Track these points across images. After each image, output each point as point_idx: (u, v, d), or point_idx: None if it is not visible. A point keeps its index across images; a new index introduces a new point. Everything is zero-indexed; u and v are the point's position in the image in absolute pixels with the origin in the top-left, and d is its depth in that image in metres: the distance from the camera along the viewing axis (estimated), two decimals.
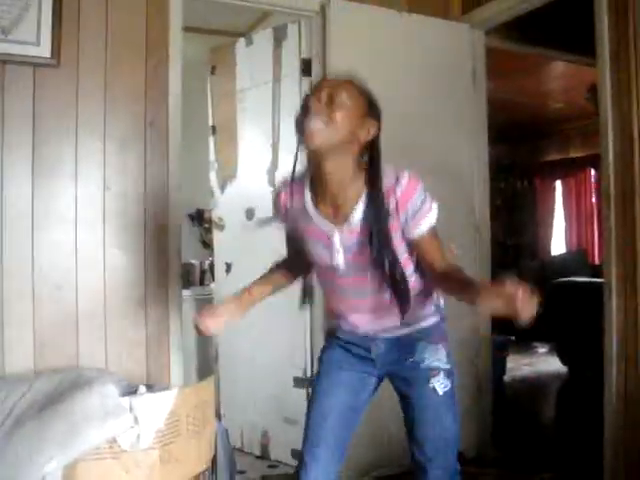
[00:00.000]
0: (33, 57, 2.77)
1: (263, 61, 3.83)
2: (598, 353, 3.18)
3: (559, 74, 6.58)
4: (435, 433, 1.98)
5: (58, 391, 2.36)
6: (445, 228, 3.64)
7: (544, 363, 6.69)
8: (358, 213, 1.86)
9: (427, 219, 1.87)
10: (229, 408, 4.04)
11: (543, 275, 8.19)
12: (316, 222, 1.92)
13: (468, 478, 3.47)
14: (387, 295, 1.93)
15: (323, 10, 3.44)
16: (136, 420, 2.19)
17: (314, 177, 1.91)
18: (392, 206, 1.83)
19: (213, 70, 4.17)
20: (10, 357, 2.73)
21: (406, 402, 2.04)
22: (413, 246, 1.92)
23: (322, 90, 1.79)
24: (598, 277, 3.83)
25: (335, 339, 2.14)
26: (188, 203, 4.63)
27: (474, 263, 3.83)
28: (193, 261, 4.95)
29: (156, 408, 2.23)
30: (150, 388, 2.61)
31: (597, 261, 8.39)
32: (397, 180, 1.85)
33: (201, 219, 5.28)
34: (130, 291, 2.96)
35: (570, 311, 5.95)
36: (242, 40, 3.98)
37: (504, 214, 9.55)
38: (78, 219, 2.87)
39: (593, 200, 9.09)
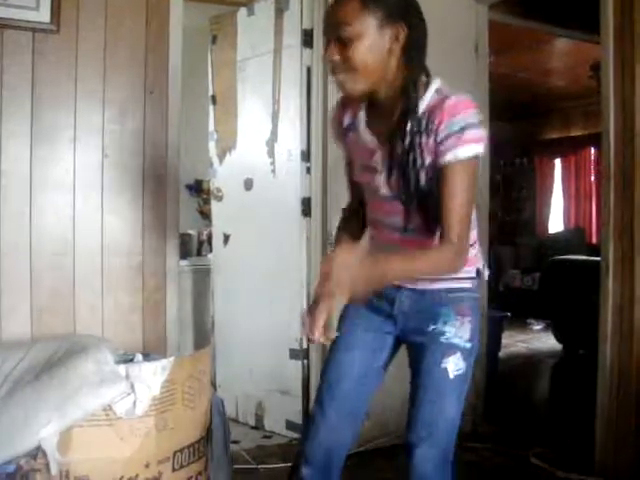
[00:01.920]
0: (32, 22, 2.73)
1: (264, 31, 3.80)
2: (592, 332, 3.20)
3: (562, 51, 6.54)
4: (433, 416, 1.77)
5: (54, 357, 2.37)
6: None
7: (539, 340, 6.73)
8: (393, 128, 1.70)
9: (465, 148, 1.59)
10: (225, 378, 4.06)
11: (540, 252, 8.23)
12: (364, 138, 1.78)
13: (461, 452, 3.53)
14: (420, 235, 1.75)
15: None
16: (132, 387, 2.19)
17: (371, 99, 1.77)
18: (433, 125, 1.61)
19: (214, 40, 4.13)
20: (7, 323, 2.73)
21: (414, 376, 1.84)
22: (439, 183, 1.64)
23: (329, 31, 1.67)
24: (595, 256, 3.83)
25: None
26: (187, 173, 4.61)
27: None
28: (191, 231, 4.95)
29: (152, 376, 2.24)
30: (146, 357, 2.62)
31: (594, 240, 8.41)
32: (447, 97, 1.64)
33: (199, 189, 5.27)
34: (127, 259, 2.96)
35: (566, 289, 5.96)
36: (243, 10, 3.93)
37: (503, 191, 9.56)
38: (76, 186, 2.86)
39: (592, 179, 9.08)
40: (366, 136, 1.78)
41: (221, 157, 4.10)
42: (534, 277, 7.61)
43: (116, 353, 2.45)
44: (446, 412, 1.78)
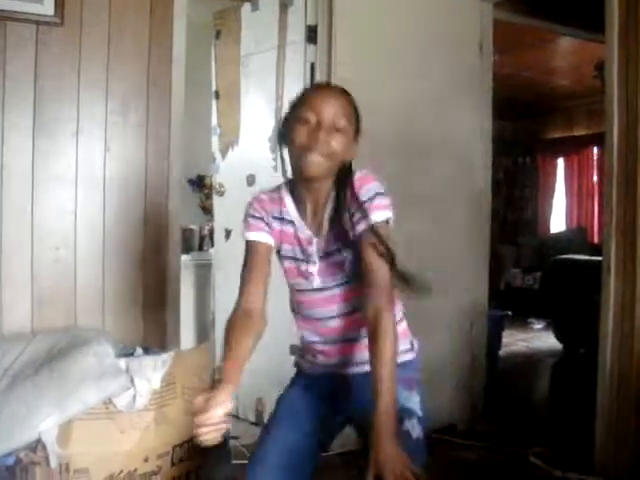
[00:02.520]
0: (36, 15, 2.72)
1: (268, 27, 3.79)
2: (593, 331, 3.20)
3: (566, 50, 6.53)
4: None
5: (55, 350, 2.37)
6: (445, 200, 3.70)
7: (539, 339, 6.73)
8: (328, 215, 1.75)
9: (377, 214, 1.67)
10: None
11: (542, 252, 8.23)
12: (298, 227, 1.79)
13: (460, 450, 3.54)
14: (357, 316, 1.76)
15: None
16: (132, 381, 2.20)
17: (298, 189, 1.79)
18: (353, 192, 1.70)
19: (218, 35, 4.13)
20: (8, 316, 2.73)
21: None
22: (359, 249, 1.69)
23: (325, 113, 1.68)
24: (597, 256, 3.83)
25: (299, 378, 2.01)
26: (189, 168, 4.61)
27: (473, 237, 3.83)
28: (193, 226, 4.95)
29: (152, 370, 2.24)
30: (147, 351, 2.62)
31: (596, 240, 8.40)
32: (354, 175, 1.72)
33: (202, 184, 5.26)
34: (129, 253, 2.96)
35: (567, 288, 5.96)
36: (247, 5, 3.93)
37: (505, 189, 9.56)
38: (78, 180, 2.86)
39: (595, 179, 9.07)
40: (302, 227, 1.79)
41: (224, 152, 4.10)
42: (535, 276, 7.62)
43: (116, 347, 2.45)
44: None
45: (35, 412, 2.10)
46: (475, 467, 3.31)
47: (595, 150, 8.92)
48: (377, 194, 1.69)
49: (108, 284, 2.92)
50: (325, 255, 1.76)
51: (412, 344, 1.89)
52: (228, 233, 4.01)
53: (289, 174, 1.82)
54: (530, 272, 7.92)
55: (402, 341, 1.78)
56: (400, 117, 3.55)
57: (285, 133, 1.76)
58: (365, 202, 1.67)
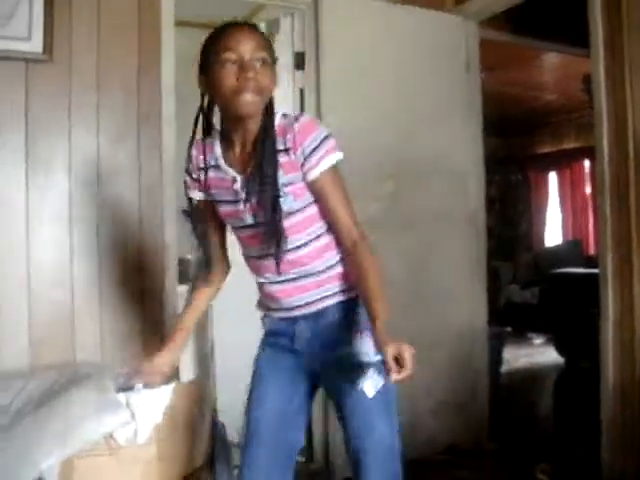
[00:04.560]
0: (25, 52, 2.75)
1: None
2: (594, 344, 3.19)
3: (553, 65, 6.58)
4: (371, 442, 1.75)
5: (55, 387, 2.36)
6: (440, 219, 3.71)
7: (541, 354, 6.70)
8: (257, 151, 1.77)
9: (327, 159, 1.73)
10: (226, 403, 4.02)
11: (538, 266, 8.24)
12: (224, 170, 1.83)
13: (466, 470, 3.51)
14: (298, 252, 1.81)
15: (315, 3, 3.44)
16: (133, 416, 2.18)
17: (227, 130, 1.83)
18: (289, 144, 1.72)
19: None
20: (6, 353, 2.72)
21: (338, 409, 1.84)
22: (316, 196, 1.77)
23: (246, 50, 1.70)
24: (593, 267, 3.83)
25: (265, 337, 2.05)
26: (182, 198, 4.60)
27: (470, 255, 3.84)
28: (189, 256, 4.93)
29: (153, 404, 2.22)
30: (147, 384, 2.61)
31: (593, 252, 8.41)
32: (296, 119, 1.75)
33: None
34: (126, 286, 2.95)
35: (566, 302, 5.96)
36: None
37: (499, 206, 9.58)
38: (72, 214, 2.86)
39: (587, 191, 9.10)
40: (226, 168, 1.83)
41: None
42: (533, 291, 7.61)
43: (116, 380, 2.44)
44: (383, 435, 1.77)
45: (36, 449, 2.08)
46: None
47: (586, 163, 8.96)
48: (323, 139, 1.72)
49: (105, 319, 2.90)
50: (253, 192, 1.76)
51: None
52: None
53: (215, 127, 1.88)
54: (528, 287, 7.91)
55: (341, 283, 1.85)
56: (391, 140, 3.56)
57: (206, 80, 1.79)
58: (314, 150, 1.71)
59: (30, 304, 2.77)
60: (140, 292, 2.97)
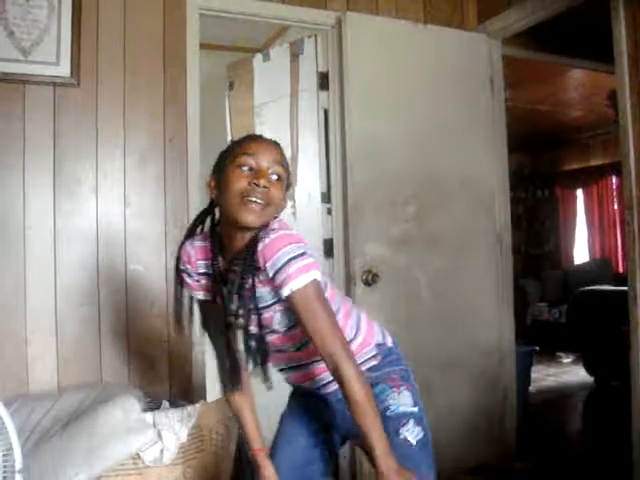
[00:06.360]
0: (53, 77, 2.81)
1: (280, 76, 3.85)
2: (624, 362, 3.14)
3: (578, 82, 6.55)
4: None
5: (82, 407, 2.37)
6: (466, 238, 3.69)
7: (569, 373, 6.62)
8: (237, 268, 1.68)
9: (296, 281, 1.56)
10: None
11: (566, 284, 8.15)
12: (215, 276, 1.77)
13: None
14: (293, 349, 1.80)
15: (339, 23, 3.45)
16: (159, 435, 2.19)
17: (221, 234, 1.76)
18: (260, 261, 1.60)
19: (231, 86, 4.19)
20: (34, 374, 2.75)
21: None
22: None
23: (263, 161, 1.67)
24: (622, 285, 3.78)
25: (292, 395, 2.07)
26: None
27: (496, 273, 3.81)
28: None
29: (179, 423, 2.23)
30: (173, 403, 2.62)
31: (621, 269, 8.32)
32: (267, 234, 1.61)
33: None
34: (152, 307, 2.97)
35: (595, 320, 5.89)
36: (259, 55, 4.00)
37: (526, 224, 9.52)
38: (99, 236, 2.90)
39: (615, 208, 9.02)
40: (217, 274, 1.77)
41: None
42: (561, 309, 7.52)
43: (143, 401, 2.45)
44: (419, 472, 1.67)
45: (63, 470, 2.09)
46: None
47: (614, 179, 8.88)
48: (289, 260, 1.57)
49: (132, 339, 2.92)
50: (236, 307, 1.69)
51: (379, 346, 1.86)
52: None
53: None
54: (556, 306, 7.83)
55: (365, 350, 1.82)
56: (415, 159, 3.56)
57: (216, 182, 1.72)
58: (278, 271, 1.57)
59: (58, 325, 2.80)
60: (166, 313, 2.98)
